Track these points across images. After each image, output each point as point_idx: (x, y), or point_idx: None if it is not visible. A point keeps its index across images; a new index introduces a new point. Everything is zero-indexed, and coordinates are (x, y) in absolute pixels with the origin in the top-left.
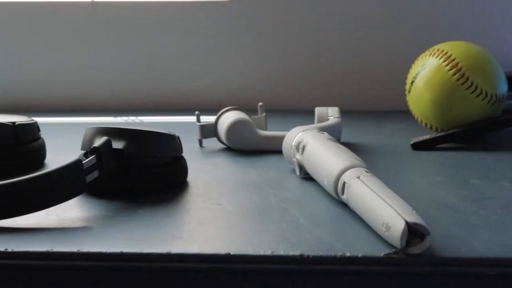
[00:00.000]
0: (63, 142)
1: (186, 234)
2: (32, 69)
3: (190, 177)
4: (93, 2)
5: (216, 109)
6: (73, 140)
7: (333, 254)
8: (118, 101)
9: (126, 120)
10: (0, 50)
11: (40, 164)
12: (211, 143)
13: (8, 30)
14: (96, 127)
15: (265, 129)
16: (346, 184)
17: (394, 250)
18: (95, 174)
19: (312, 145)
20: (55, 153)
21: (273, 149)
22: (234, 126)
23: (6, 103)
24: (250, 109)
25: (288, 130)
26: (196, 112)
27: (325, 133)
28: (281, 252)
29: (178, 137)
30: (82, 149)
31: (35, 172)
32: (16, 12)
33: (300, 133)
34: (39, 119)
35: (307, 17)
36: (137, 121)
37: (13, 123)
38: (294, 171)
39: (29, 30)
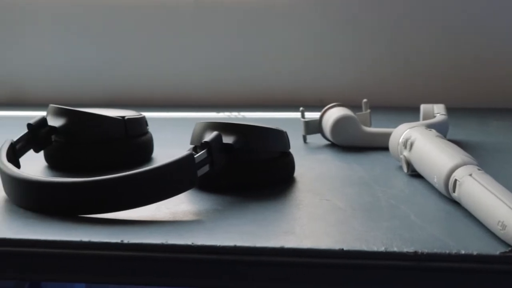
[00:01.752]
0: (168, 136)
1: (298, 229)
2: (137, 66)
3: (296, 173)
4: (196, 1)
5: (318, 106)
6: (178, 134)
7: (447, 252)
8: (221, 97)
9: (229, 115)
10: (107, 48)
11: (148, 158)
12: (315, 139)
13: (115, 29)
14: (206, 122)
15: (370, 125)
16: (457, 182)
17: (510, 248)
18: (205, 168)
19: (420, 142)
20: (161, 147)
21: (378, 145)
22: (340, 123)
23: (115, 98)
24: (351, 106)
25: (392, 126)
26: (301, 108)
27: (433, 130)
28: (394, 248)
29: (286, 133)
30: (191, 143)
31: (143, 166)
32: (120, 12)
33: (408, 130)
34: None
35: (410, 14)
36: (240, 116)
37: (123, 117)
38: (401, 168)
39: (134, 28)
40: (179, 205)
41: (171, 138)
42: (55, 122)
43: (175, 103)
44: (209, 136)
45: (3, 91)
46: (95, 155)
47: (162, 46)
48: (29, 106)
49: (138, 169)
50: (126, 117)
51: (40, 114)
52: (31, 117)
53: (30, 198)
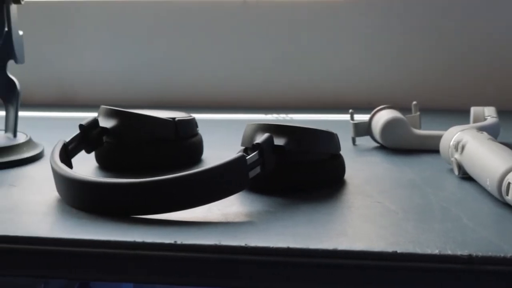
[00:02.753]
0: (216, 138)
1: (350, 231)
2: (184, 67)
3: (346, 175)
4: (244, 2)
5: (366, 108)
6: (225, 136)
7: (502, 255)
8: (269, 99)
9: (276, 117)
10: (155, 49)
11: (198, 159)
12: (364, 141)
13: (163, 30)
14: (258, 124)
15: (419, 128)
16: (511, 185)
17: None
18: (257, 170)
19: (472, 144)
20: (210, 148)
21: (428, 148)
22: (389, 125)
23: (163, 99)
24: (400, 108)
25: (441, 129)
26: (350, 110)
27: (485, 133)
28: (448, 251)
29: (337, 135)
30: (242, 145)
31: (193, 168)
32: (167, 13)
33: (459, 133)
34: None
35: (459, 15)
36: (288, 118)
37: (173, 119)
38: (451, 170)
39: (183, 29)
40: (231, 207)
41: (219, 139)
42: (106, 123)
43: (222, 105)
44: (260, 138)
45: (53, 93)
46: (146, 156)
47: (210, 47)
48: (78, 107)
49: (188, 170)
50: (177, 119)
51: (89, 115)
52: (81, 118)
53: (84, 199)
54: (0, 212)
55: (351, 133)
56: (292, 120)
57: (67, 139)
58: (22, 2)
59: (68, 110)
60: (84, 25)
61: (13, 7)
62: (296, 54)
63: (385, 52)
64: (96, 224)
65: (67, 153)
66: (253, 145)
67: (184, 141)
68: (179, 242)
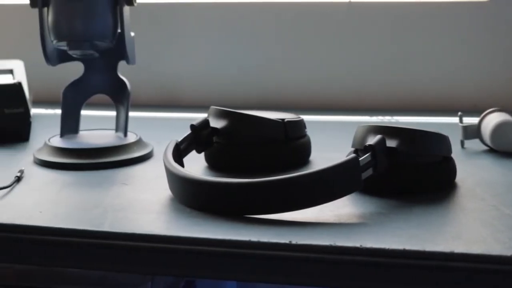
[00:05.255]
0: (321, 139)
1: (465, 234)
2: (288, 68)
3: (457, 178)
4: (350, 3)
5: (472, 111)
6: (330, 137)
7: None
8: (372, 100)
9: (381, 119)
10: (259, 51)
11: (306, 160)
12: (473, 144)
13: (267, 32)
14: (369, 125)
15: None
16: None
17: None
18: (369, 171)
19: None
20: (317, 150)
21: None
22: (500, 128)
23: (267, 100)
24: (510, 111)
25: None
26: (459, 113)
27: None
28: None
29: (448, 138)
30: (353, 146)
31: (301, 169)
32: (272, 15)
33: None
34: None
35: None
36: (393, 120)
37: (282, 119)
38: None
39: (287, 31)
40: (343, 208)
41: (325, 140)
42: (216, 123)
43: (323, 106)
44: (373, 140)
45: (158, 93)
46: (255, 156)
47: (314, 49)
48: (182, 107)
49: (297, 171)
50: (286, 120)
51: (194, 116)
52: (186, 119)
53: (198, 198)
54: (115, 210)
55: (459, 136)
56: (398, 122)
57: (179, 139)
58: (135, 4)
59: (172, 110)
60: (190, 27)
61: (126, 9)
62: (400, 56)
63: (493, 54)
64: (211, 223)
65: (179, 153)
66: (365, 146)
67: (293, 142)
68: (294, 242)
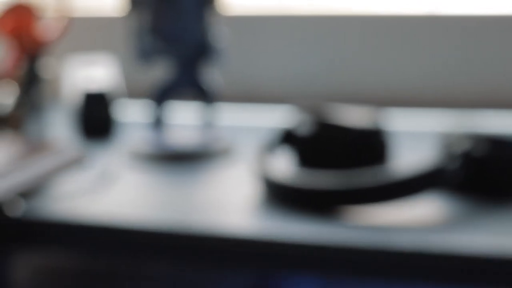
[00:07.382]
0: None
1: None
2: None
3: None
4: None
5: None
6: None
7: None
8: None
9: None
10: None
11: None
12: None
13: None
14: (461, 132)
15: None
16: None
17: None
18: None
19: None
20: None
21: None
22: None
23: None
24: None
25: None
26: None
27: None
28: None
29: None
30: (442, 150)
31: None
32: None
33: None
34: None
35: None
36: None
37: None
38: None
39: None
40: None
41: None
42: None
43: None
44: (463, 147)
45: (241, 89)
46: None
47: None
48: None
49: None
50: None
51: None
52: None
53: None
54: None
55: None
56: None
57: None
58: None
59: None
60: (274, 28)
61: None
62: None
63: None
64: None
65: None
66: (456, 154)
67: None
68: None
